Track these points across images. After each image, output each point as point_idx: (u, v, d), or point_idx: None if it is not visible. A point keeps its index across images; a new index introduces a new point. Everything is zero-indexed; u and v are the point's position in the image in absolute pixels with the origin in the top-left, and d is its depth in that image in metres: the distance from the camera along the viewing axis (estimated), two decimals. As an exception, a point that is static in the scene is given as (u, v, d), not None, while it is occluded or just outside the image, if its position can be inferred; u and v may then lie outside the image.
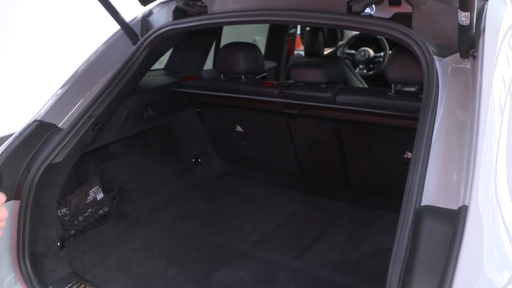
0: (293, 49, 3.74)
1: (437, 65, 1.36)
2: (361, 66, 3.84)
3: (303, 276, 1.78)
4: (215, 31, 2.87)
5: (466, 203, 0.99)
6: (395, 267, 1.02)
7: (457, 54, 1.39)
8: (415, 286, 0.98)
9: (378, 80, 3.62)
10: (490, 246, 0.95)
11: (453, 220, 1.00)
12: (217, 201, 2.46)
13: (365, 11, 1.58)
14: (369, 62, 3.81)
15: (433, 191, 1.12)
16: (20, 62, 4.42)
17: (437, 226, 1.03)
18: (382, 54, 3.76)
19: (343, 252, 1.93)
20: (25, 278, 1.76)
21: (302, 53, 3.68)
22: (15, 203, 1.78)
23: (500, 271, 0.95)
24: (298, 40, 3.94)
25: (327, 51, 3.85)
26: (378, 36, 3.75)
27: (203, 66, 2.83)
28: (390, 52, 3.78)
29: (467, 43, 1.31)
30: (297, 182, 2.54)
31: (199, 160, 2.70)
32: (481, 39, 1.31)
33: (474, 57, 1.35)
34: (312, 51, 3.38)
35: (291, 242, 2.02)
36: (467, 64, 1.37)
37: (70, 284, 1.82)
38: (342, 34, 3.94)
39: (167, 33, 1.96)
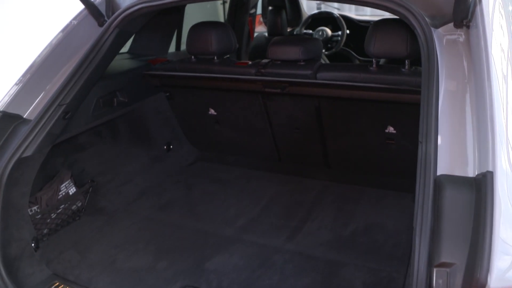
0: (253, 29, 3.67)
1: (435, 39, 1.35)
2: None
3: (299, 257, 1.76)
4: (177, 13, 2.74)
5: (490, 169, 0.99)
6: (421, 235, 1.01)
7: (450, 25, 1.39)
8: (443, 258, 0.97)
9: (336, 58, 3.63)
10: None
11: (473, 188, 1.00)
12: (195, 187, 2.38)
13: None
14: (327, 41, 3.82)
15: (447, 161, 1.12)
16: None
17: (459, 195, 1.02)
18: (339, 33, 3.77)
19: (334, 230, 1.92)
20: (0, 285, 1.62)
21: (264, 33, 3.62)
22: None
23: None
24: (258, 20, 3.87)
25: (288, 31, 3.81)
26: (335, 15, 3.77)
27: (168, 49, 2.71)
28: (348, 31, 3.83)
29: (463, 13, 1.31)
30: (274, 163, 2.51)
31: (171, 147, 2.60)
32: (478, 8, 1.31)
33: (468, 27, 1.35)
34: (276, 30, 3.33)
35: (280, 224, 1.99)
36: (460, 34, 1.37)
37: (52, 287, 1.70)
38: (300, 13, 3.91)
39: (138, 12, 1.83)
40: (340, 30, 3.77)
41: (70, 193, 2.08)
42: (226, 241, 1.89)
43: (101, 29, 1.90)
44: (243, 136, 2.50)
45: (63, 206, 2.05)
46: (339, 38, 3.75)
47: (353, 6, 4.62)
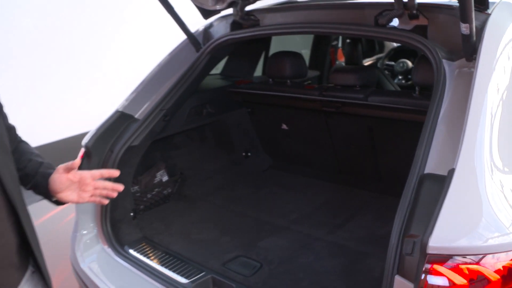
0: (335, 59, 4.08)
1: (446, 68, 1.67)
2: (400, 77, 4.11)
3: (334, 246, 2.11)
4: (265, 42, 3.26)
5: (454, 167, 1.30)
6: (399, 215, 1.34)
7: (464, 59, 1.69)
8: (413, 229, 1.29)
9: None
10: (471, 199, 1.26)
11: (442, 181, 1.31)
12: (263, 188, 2.83)
13: (391, 23, 1.92)
14: (408, 73, 4.08)
15: (433, 163, 1.44)
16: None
17: (433, 187, 1.34)
18: None
19: (370, 229, 2.24)
20: (106, 237, 2.19)
21: (343, 63, 4.01)
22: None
23: (479, 219, 1.25)
24: (340, 52, 4.28)
25: (367, 62, 4.16)
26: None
27: (253, 73, 3.23)
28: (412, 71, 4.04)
29: (469, 49, 1.61)
30: (333, 174, 2.87)
31: (249, 154, 3.08)
32: (479, 46, 1.61)
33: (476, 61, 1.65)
34: (352, 60, 3.71)
35: (326, 221, 2.35)
36: (471, 67, 1.67)
37: (141, 245, 2.23)
38: (382, 46, 4.24)
39: (226, 42, 2.36)
40: None
41: (163, 180, 2.64)
42: (278, 228, 2.30)
43: (197, 54, 2.45)
44: (309, 149, 2.91)
45: (157, 189, 2.61)
46: None
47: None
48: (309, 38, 3.98)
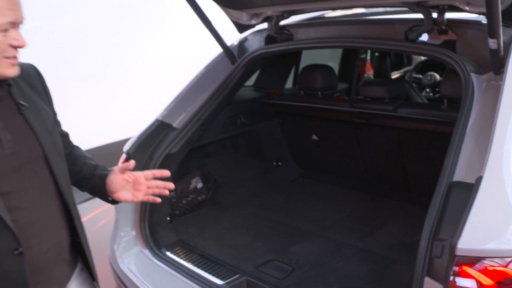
0: (363, 72, 4.15)
1: (474, 81, 1.73)
2: (427, 90, 4.15)
3: (363, 252, 2.18)
4: (295, 55, 3.37)
5: (482, 175, 1.37)
6: (429, 219, 1.41)
7: (491, 72, 1.76)
8: (442, 233, 1.36)
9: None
10: (499, 204, 1.32)
11: (470, 189, 1.38)
12: (293, 196, 2.91)
13: (420, 38, 2.00)
14: (435, 85, 4.11)
15: (461, 171, 1.50)
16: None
17: (461, 194, 1.40)
18: None
19: (398, 237, 2.30)
20: (144, 239, 2.31)
21: (372, 76, 4.08)
22: (140, 183, 2.34)
23: (507, 224, 1.31)
24: (368, 65, 4.35)
25: (395, 75, 4.22)
26: (445, 61, 4.07)
27: (284, 84, 3.33)
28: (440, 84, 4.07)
29: (497, 63, 1.68)
30: (362, 183, 2.93)
31: (279, 163, 3.18)
32: (509, 58, 1.67)
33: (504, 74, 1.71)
34: (380, 73, 3.78)
35: (355, 228, 2.42)
36: (499, 80, 1.73)
37: (177, 248, 2.34)
38: (409, 60, 4.30)
39: (261, 55, 2.47)
40: None
41: (198, 187, 2.76)
42: (308, 234, 2.38)
43: (232, 67, 2.58)
44: (338, 159, 2.99)
45: (191, 196, 2.72)
46: None
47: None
48: (337, 51, 4.07)
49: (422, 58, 4.30)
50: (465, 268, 1.24)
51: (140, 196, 1.47)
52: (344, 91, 3.98)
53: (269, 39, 2.53)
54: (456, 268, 1.27)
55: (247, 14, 2.51)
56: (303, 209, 2.72)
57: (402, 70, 4.35)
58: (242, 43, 2.68)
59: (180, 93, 2.57)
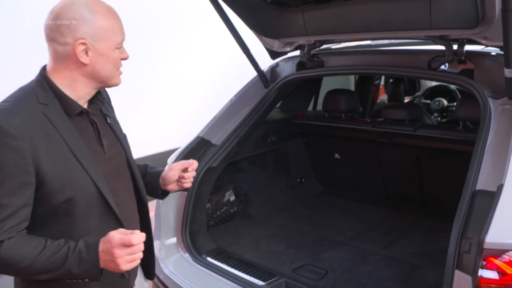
0: (376, 97, 4.43)
1: (491, 105, 1.98)
2: (435, 114, 4.41)
3: (389, 258, 2.40)
4: (317, 81, 3.64)
5: (503, 183, 1.61)
6: (457, 221, 1.64)
7: (506, 98, 2.01)
8: (470, 232, 1.59)
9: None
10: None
11: (492, 196, 1.62)
12: (318, 210, 3.14)
13: (441, 67, 2.27)
14: (443, 111, 4.38)
15: (483, 181, 1.74)
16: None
17: (484, 199, 1.64)
18: (455, 104, 4.33)
19: (420, 247, 2.52)
20: (186, 245, 2.51)
21: (385, 100, 4.36)
22: (183, 193, 2.57)
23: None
24: (381, 90, 4.64)
25: (406, 99, 4.49)
26: (452, 88, 4.36)
27: (307, 107, 3.60)
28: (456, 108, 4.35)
29: (512, 91, 1.95)
30: (381, 200, 3.17)
31: (303, 180, 3.41)
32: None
33: (518, 99, 1.97)
34: (394, 98, 4.05)
35: (379, 238, 2.65)
36: (512, 104, 1.99)
37: (217, 254, 2.55)
38: (419, 85, 4.58)
39: (293, 80, 2.74)
40: (455, 101, 4.33)
41: (231, 200, 2.98)
42: (337, 243, 2.60)
43: (266, 90, 2.84)
44: (359, 177, 3.22)
45: (225, 208, 2.95)
46: (454, 108, 4.30)
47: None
48: (351, 77, 4.35)
49: (431, 84, 4.59)
50: (491, 259, 1.46)
51: (185, 186, 1.73)
52: (359, 114, 4.24)
53: (300, 66, 2.80)
54: (483, 263, 1.50)
55: (280, 42, 2.79)
56: (328, 221, 2.95)
57: (411, 96, 4.62)
58: (274, 68, 2.95)
59: (218, 113, 2.83)
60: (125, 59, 1.45)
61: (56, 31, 1.31)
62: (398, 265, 2.34)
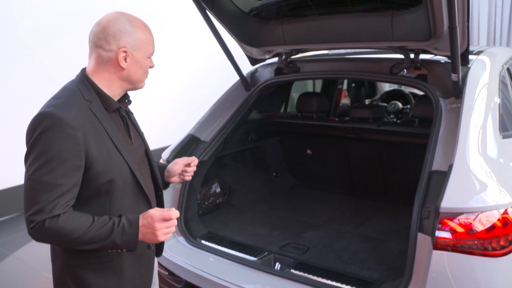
0: (340, 100, 4.89)
1: (442, 104, 2.42)
2: (391, 116, 4.93)
3: (360, 235, 2.81)
4: (288, 85, 4.04)
5: (452, 163, 2.04)
6: (418, 196, 2.05)
7: (453, 97, 2.46)
8: (428, 202, 2.00)
9: None
10: (466, 180, 1.98)
11: (444, 174, 2.03)
12: (294, 200, 3.52)
13: (400, 73, 2.70)
14: (398, 112, 4.90)
15: (437, 163, 2.17)
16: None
17: (438, 177, 2.06)
18: (408, 106, 4.85)
19: (385, 226, 2.95)
20: (181, 230, 2.81)
21: (346, 103, 4.83)
22: (178, 185, 2.88)
23: (471, 193, 1.96)
24: (343, 94, 5.11)
25: (366, 102, 4.98)
26: (405, 92, 4.89)
27: (280, 109, 3.99)
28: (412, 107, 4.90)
29: (457, 91, 2.38)
30: (349, 189, 3.59)
31: (278, 174, 3.79)
32: (464, 88, 2.39)
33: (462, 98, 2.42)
34: (357, 100, 4.52)
35: (350, 220, 3.06)
36: (459, 103, 2.44)
37: (210, 237, 2.86)
38: (377, 90, 5.09)
39: (272, 84, 3.11)
40: (409, 104, 4.86)
41: (217, 191, 3.31)
42: (314, 225, 2.99)
43: (247, 93, 3.19)
44: (329, 170, 3.64)
45: (212, 198, 3.27)
46: (408, 110, 4.83)
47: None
48: (318, 82, 4.80)
49: (388, 89, 5.11)
50: (446, 220, 1.88)
51: (186, 178, 2.05)
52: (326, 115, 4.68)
53: (278, 71, 3.18)
54: (439, 225, 1.92)
55: (260, 50, 3.16)
56: (304, 208, 3.33)
57: (370, 99, 5.13)
58: (253, 74, 3.31)
59: (206, 113, 3.15)
60: (152, 67, 1.75)
61: (103, 39, 1.61)
62: (368, 240, 2.75)
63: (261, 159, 3.69)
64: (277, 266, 2.48)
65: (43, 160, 1.49)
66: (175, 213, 1.57)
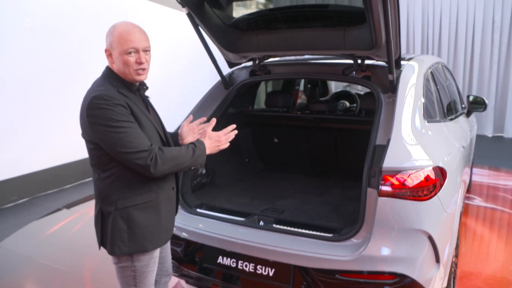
0: (297, 99, 5.69)
1: (382, 98, 3.21)
2: (340, 113, 5.77)
3: (323, 201, 3.57)
4: (257, 85, 4.76)
5: (390, 137, 2.83)
6: (367, 162, 2.82)
7: (390, 93, 3.27)
8: (374, 166, 2.78)
9: None
10: (400, 148, 2.78)
11: (385, 147, 2.82)
12: (265, 180, 4.24)
13: (350, 74, 3.50)
14: (346, 110, 5.76)
15: (379, 139, 2.95)
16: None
17: (381, 149, 2.84)
18: (354, 105, 5.72)
19: (341, 195, 3.73)
20: (181, 202, 3.46)
21: (303, 101, 5.63)
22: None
23: (406, 157, 2.76)
24: (299, 94, 5.91)
25: (319, 101, 5.80)
26: (352, 93, 5.76)
27: (250, 105, 4.70)
28: (359, 101, 5.80)
29: (393, 88, 3.19)
30: (310, 171, 4.36)
31: (249, 160, 4.50)
32: (397, 86, 3.20)
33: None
34: (313, 98, 5.33)
35: (313, 192, 3.82)
36: (394, 97, 3.25)
37: (203, 206, 3.51)
38: (328, 90, 5.94)
39: (248, 83, 3.82)
40: (355, 103, 5.73)
41: (203, 173, 3.97)
42: (285, 196, 3.72)
43: (226, 91, 3.88)
44: (293, 155, 4.39)
45: (199, 178, 3.93)
46: (354, 108, 5.70)
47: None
48: (279, 83, 5.57)
49: (336, 90, 5.97)
50: (387, 176, 2.67)
51: (223, 147, 2.67)
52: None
53: (252, 73, 3.89)
54: (382, 181, 2.70)
55: (237, 55, 3.86)
56: (275, 186, 4.06)
57: (323, 99, 5.96)
58: (230, 75, 4.01)
59: (194, 108, 3.81)
60: (138, 63, 2.10)
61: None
62: (329, 204, 3.52)
63: (236, 146, 4.38)
64: (261, 223, 3.19)
65: (116, 124, 2.01)
66: (230, 128, 2.62)
